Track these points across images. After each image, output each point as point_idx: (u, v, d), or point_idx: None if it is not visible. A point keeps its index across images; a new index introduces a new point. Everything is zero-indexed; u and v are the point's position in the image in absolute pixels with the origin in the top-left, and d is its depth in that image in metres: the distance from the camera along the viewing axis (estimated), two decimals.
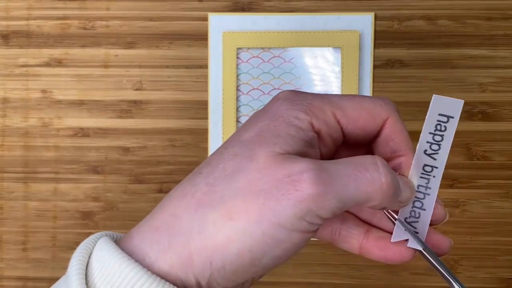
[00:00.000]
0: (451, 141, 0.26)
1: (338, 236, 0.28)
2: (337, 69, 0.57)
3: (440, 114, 0.25)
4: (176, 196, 0.24)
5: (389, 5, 0.57)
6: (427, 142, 0.25)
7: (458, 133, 0.58)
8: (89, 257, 0.25)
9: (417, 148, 0.26)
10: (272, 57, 0.58)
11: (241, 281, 0.24)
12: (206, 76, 0.58)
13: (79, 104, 0.59)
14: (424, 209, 0.26)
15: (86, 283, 0.23)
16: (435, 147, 0.26)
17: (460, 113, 0.25)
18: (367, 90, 0.57)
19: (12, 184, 0.60)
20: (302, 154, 0.24)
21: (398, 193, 0.24)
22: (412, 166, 0.26)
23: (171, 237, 0.23)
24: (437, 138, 0.26)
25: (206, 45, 0.58)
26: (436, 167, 0.26)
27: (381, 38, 0.57)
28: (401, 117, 0.26)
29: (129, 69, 0.59)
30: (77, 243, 0.64)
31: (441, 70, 0.57)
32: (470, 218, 0.57)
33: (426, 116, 0.26)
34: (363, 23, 0.57)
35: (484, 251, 0.57)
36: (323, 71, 0.57)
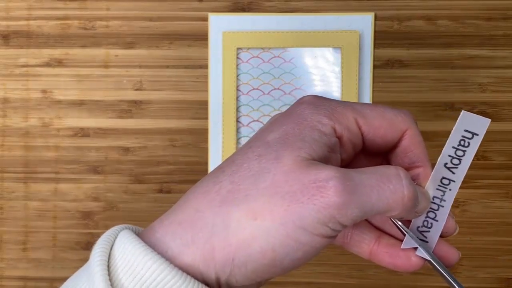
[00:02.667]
0: (472, 158, 0.26)
1: (349, 240, 0.29)
2: (337, 69, 0.57)
3: (466, 130, 0.26)
4: (200, 192, 0.25)
5: (389, 5, 0.57)
6: (449, 155, 0.26)
7: None
8: (111, 249, 0.25)
9: (438, 160, 0.26)
10: (272, 57, 0.58)
11: (259, 280, 0.24)
12: (206, 76, 0.58)
13: (79, 104, 0.59)
14: (437, 220, 0.26)
15: (109, 274, 0.24)
16: (455, 161, 0.26)
17: (485, 131, 0.26)
18: (367, 90, 0.57)
19: (12, 184, 0.60)
20: (324, 158, 0.24)
21: (416, 204, 0.25)
22: (430, 178, 0.26)
23: (194, 232, 0.24)
24: (459, 153, 0.26)
25: (206, 45, 0.58)
26: (454, 181, 0.26)
27: (381, 38, 0.57)
28: (419, 130, 0.27)
29: (129, 69, 0.59)
30: (78, 243, 0.64)
31: (441, 70, 0.57)
32: (470, 218, 0.57)
33: (452, 131, 0.26)
34: (363, 23, 0.57)
35: (484, 251, 0.57)
36: (323, 71, 0.58)
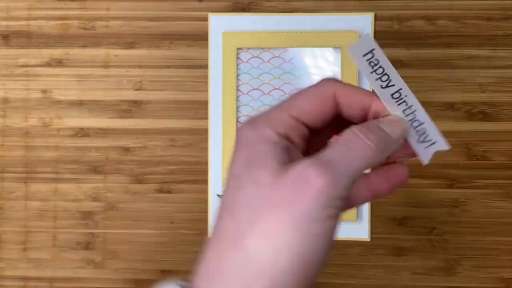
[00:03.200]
0: (390, 64, 0.28)
1: (350, 200, 0.29)
2: (337, 69, 0.57)
3: (363, 55, 0.28)
4: (214, 243, 0.26)
5: (389, 6, 0.57)
6: (376, 80, 0.28)
7: (458, 133, 0.58)
8: None
9: (373, 89, 0.28)
10: (272, 57, 0.58)
11: None
12: (206, 76, 0.58)
13: (80, 104, 0.59)
14: (423, 122, 0.28)
15: None
16: (384, 78, 0.28)
17: (374, 41, 0.27)
18: None
19: (12, 184, 0.60)
20: (289, 158, 0.26)
21: (389, 141, 0.26)
22: (385, 105, 0.28)
23: (224, 280, 0.24)
24: (379, 71, 0.28)
25: (206, 45, 0.58)
26: (401, 88, 0.28)
27: (381, 38, 0.57)
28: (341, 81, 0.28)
29: (129, 69, 0.59)
30: (78, 243, 0.64)
31: (441, 70, 0.57)
32: (470, 218, 0.57)
33: (358, 66, 0.28)
34: (363, 23, 0.57)
35: (484, 251, 0.57)
36: (323, 71, 0.58)
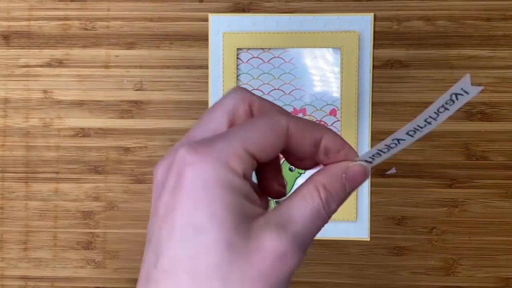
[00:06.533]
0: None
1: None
2: (337, 69, 0.57)
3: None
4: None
5: (388, 6, 0.57)
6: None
7: (457, 133, 0.58)
8: None
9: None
10: (272, 58, 0.58)
11: None
12: (206, 77, 0.58)
13: (80, 104, 0.59)
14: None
15: None
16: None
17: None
18: (367, 91, 0.57)
19: (13, 184, 0.60)
20: (250, 206, 0.24)
21: (344, 199, 0.26)
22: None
23: None
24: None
25: (206, 46, 0.58)
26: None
27: (380, 38, 0.57)
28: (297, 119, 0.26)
29: (129, 70, 0.59)
30: (78, 243, 0.64)
31: (440, 70, 0.57)
32: (469, 217, 0.58)
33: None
34: (362, 23, 0.57)
35: (483, 250, 0.58)
36: (322, 71, 0.58)
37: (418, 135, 0.25)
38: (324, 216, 0.25)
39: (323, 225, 0.25)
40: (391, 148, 0.26)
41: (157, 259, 0.23)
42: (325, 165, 0.26)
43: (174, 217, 0.22)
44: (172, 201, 0.23)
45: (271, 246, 0.23)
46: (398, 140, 0.25)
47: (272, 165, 0.28)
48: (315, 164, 0.27)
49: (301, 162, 0.28)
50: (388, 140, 0.25)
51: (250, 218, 0.23)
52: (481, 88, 0.24)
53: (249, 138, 0.24)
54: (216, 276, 0.22)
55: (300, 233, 0.24)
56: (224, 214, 0.22)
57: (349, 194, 0.26)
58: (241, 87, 0.27)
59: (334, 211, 0.25)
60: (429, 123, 0.25)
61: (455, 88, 0.24)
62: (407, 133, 0.25)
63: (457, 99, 0.25)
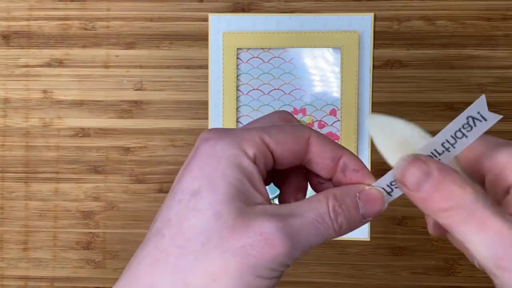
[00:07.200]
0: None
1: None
2: (337, 69, 0.57)
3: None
4: (147, 263, 0.24)
5: (388, 6, 0.57)
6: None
7: None
8: None
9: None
10: (272, 58, 0.58)
11: None
12: (206, 77, 0.58)
13: (80, 104, 0.59)
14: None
15: None
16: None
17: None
18: (367, 91, 0.57)
19: (13, 184, 0.60)
20: (253, 188, 0.25)
21: (356, 223, 0.26)
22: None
23: None
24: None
25: (206, 46, 0.58)
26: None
27: (380, 38, 0.57)
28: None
29: (129, 70, 0.59)
30: (78, 243, 0.64)
31: (440, 70, 0.57)
32: None
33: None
34: (362, 23, 0.57)
35: None
36: (323, 71, 0.58)
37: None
38: (329, 225, 0.25)
39: (326, 234, 0.25)
40: None
41: (154, 222, 0.24)
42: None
43: (179, 183, 0.24)
44: (184, 169, 0.25)
45: (260, 227, 0.23)
46: None
47: (297, 181, 0.28)
48: None
49: (321, 185, 0.28)
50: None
51: (248, 200, 0.24)
52: (500, 116, 0.24)
53: (267, 131, 0.26)
54: (197, 239, 0.23)
55: (295, 228, 0.24)
56: (220, 184, 0.24)
57: (364, 219, 0.26)
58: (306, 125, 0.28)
59: (343, 227, 0.25)
60: (447, 149, 0.25)
61: (471, 111, 0.24)
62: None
63: (475, 125, 0.24)
